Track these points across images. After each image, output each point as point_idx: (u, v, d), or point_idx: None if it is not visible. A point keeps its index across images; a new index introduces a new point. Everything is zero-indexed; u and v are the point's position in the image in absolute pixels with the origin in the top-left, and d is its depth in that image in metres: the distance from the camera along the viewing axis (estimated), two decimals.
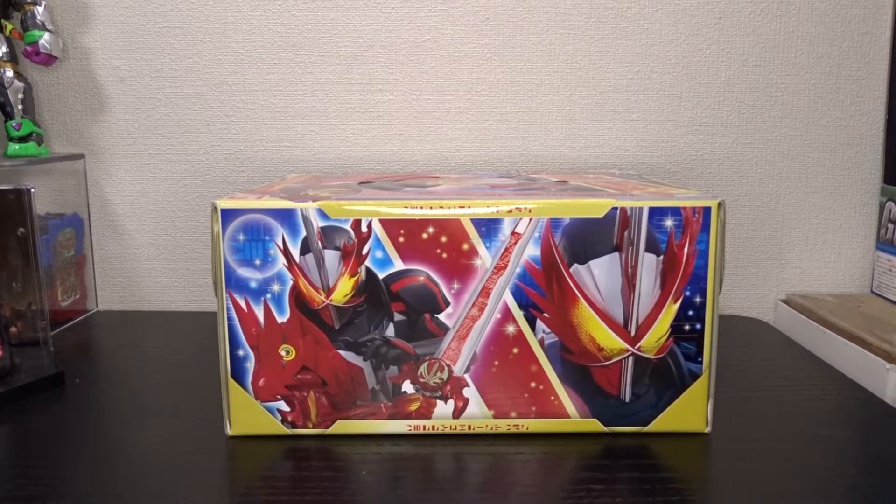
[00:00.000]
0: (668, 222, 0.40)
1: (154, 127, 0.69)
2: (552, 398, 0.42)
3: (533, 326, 0.41)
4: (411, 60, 0.67)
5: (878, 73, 0.67)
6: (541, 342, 0.41)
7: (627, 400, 0.42)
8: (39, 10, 0.63)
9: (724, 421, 0.44)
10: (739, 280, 0.71)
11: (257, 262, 0.40)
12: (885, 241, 0.67)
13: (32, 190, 0.58)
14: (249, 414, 0.42)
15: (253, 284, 0.41)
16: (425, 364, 0.42)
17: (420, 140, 0.69)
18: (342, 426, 0.42)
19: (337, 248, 0.40)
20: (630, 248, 0.41)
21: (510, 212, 0.40)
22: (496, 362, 0.42)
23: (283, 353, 0.41)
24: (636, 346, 0.41)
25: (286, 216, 0.40)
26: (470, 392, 0.42)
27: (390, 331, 0.41)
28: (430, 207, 0.40)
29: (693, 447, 0.41)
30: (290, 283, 0.41)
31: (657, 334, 0.41)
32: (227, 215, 0.40)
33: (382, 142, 0.69)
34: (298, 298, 0.41)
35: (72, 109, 0.69)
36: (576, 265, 0.41)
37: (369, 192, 0.44)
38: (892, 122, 0.67)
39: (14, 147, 0.64)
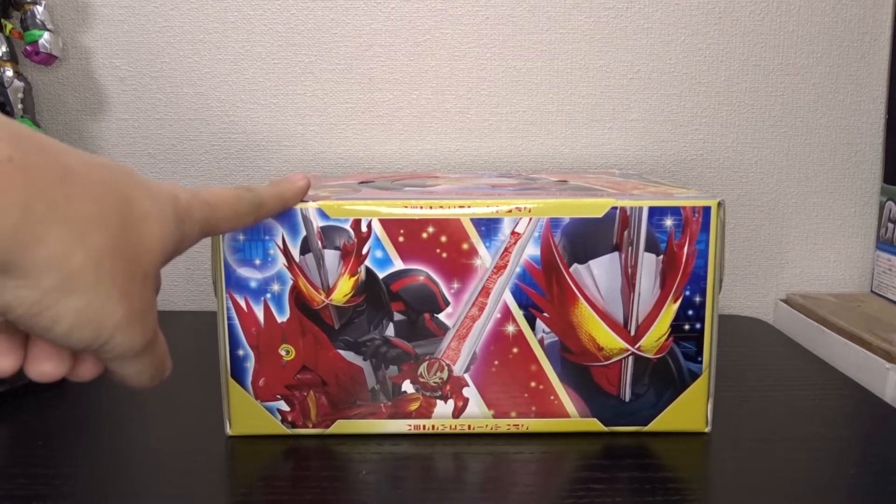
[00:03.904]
0: (668, 222, 0.40)
1: (154, 127, 0.69)
2: (552, 398, 0.42)
3: (533, 326, 0.41)
4: (411, 60, 0.67)
5: (878, 73, 0.67)
6: (541, 342, 0.41)
7: (627, 399, 0.42)
8: (39, 9, 0.63)
9: (724, 421, 0.44)
10: (739, 280, 0.71)
11: (257, 261, 0.40)
12: (885, 241, 0.67)
13: None
14: (249, 414, 0.42)
15: (253, 284, 0.41)
16: (425, 364, 0.42)
17: (420, 140, 0.69)
18: (342, 426, 0.42)
19: (337, 248, 0.40)
20: (630, 248, 0.41)
21: (510, 211, 0.40)
22: (496, 362, 0.42)
23: (283, 353, 0.41)
24: (636, 346, 0.41)
25: (286, 216, 0.40)
26: (470, 392, 0.42)
27: (390, 330, 0.41)
28: (430, 207, 0.40)
29: (693, 447, 0.41)
30: (290, 282, 0.41)
31: (657, 334, 0.41)
32: None
33: (382, 142, 0.69)
34: (298, 298, 0.41)
35: (72, 109, 0.69)
36: (576, 265, 0.41)
37: (369, 192, 0.44)
38: (892, 122, 0.67)
39: None
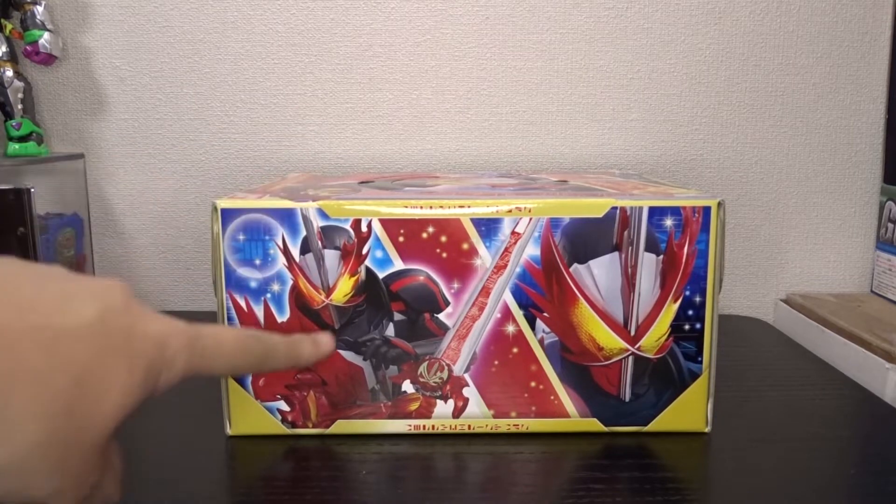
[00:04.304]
0: (668, 222, 0.40)
1: (154, 127, 0.69)
2: (552, 398, 0.42)
3: (533, 326, 0.41)
4: (411, 60, 0.67)
5: (878, 73, 0.67)
6: (541, 342, 0.41)
7: (627, 399, 0.42)
8: (39, 9, 0.63)
9: (724, 421, 0.44)
10: (739, 280, 0.71)
11: (257, 261, 0.40)
12: (885, 241, 0.67)
13: (32, 190, 0.58)
14: (249, 414, 0.42)
15: (253, 284, 0.41)
16: (425, 364, 0.42)
17: (420, 140, 0.69)
18: (342, 426, 0.42)
19: (337, 248, 0.40)
20: (630, 248, 0.41)
21: (510, 211, 0.40)
22: (496, 362, 0.42)
23: None
24: (636, 346, 0.41)
25: (286, 216, 0.40)
26: (470, 392, 0.42)
27: (390, 330, 0.41)
28: (430, 207, 0.40)
29: (693, 447, 0.41)
30: (290, 282, 0.41)
31: (657, 334, 0.41)
32: (227, 215, 0.40)
33: (382, 142, 0.69)
34: (298, 298, 0.41)
35: (72, 109, 0.69)
36: (576, 265, 0.41)
37: (369, 192, 0.44)
38: (892, 122, 0.67)
39: (14, 147, 0.64)
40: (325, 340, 0.37)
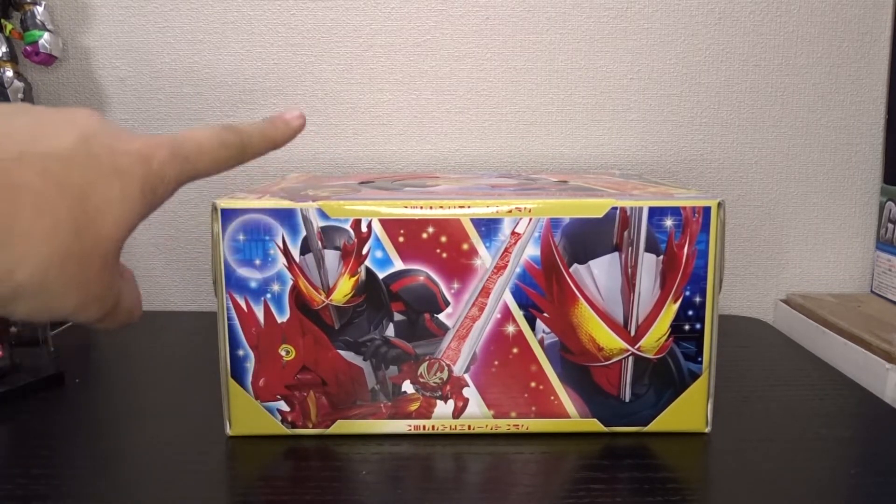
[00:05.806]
0: (668, 222, 0.40)
1: (154, 127, 0.69)
2: (552, 398, 0.42)
3: (533, 326, 0.41)
4: (411, 60, 0.67)
5: (878, 73, 0.67)
6: (541, 342, 0.41)
7: (627, 400, 0.42)
8: (39, 9, 0.63)
9: (724, 421, 0.44)
10: (739, 280, 0.71)
11: (257, 261, 0.40)
12: (885, 241, 0.67)
13: None
14: (249, 414, 0.42)
15: (253, 284, 0.41)
16: (425, 364, 0.42)
17: (420, 140, 0.69)
18: (342, 426, 0.42)
19: (337, 248, 0.40)
20: (630, 248, 0.41)
21: (510, 212, 0.40)
22: (496, 362, 0.42)
23: (283, 353, 0.41)
24: (636, 346, 0.41)
25: (286, 216, 0.40)
26: (470, 392, 0.42)
27: (390, 331, 0.41)
28: (430, 207, 0.40)
29: (693, 447, 0.41)
30: (290, 282, 0.41)
31: (657, 334, 0.41)
32: (228, 215, 0.40)
33: (382, 142, 0.69)
34: (298, 298, 0.41)
35: None
36: (576, 265, 0.41)
37: (369, 192, 0.44)
38: (892, 122, 0.67)
39: None
40: (294, 115, 0.37)
